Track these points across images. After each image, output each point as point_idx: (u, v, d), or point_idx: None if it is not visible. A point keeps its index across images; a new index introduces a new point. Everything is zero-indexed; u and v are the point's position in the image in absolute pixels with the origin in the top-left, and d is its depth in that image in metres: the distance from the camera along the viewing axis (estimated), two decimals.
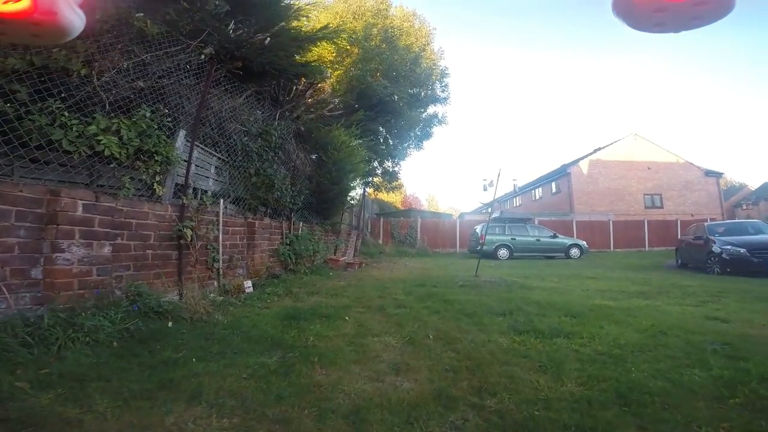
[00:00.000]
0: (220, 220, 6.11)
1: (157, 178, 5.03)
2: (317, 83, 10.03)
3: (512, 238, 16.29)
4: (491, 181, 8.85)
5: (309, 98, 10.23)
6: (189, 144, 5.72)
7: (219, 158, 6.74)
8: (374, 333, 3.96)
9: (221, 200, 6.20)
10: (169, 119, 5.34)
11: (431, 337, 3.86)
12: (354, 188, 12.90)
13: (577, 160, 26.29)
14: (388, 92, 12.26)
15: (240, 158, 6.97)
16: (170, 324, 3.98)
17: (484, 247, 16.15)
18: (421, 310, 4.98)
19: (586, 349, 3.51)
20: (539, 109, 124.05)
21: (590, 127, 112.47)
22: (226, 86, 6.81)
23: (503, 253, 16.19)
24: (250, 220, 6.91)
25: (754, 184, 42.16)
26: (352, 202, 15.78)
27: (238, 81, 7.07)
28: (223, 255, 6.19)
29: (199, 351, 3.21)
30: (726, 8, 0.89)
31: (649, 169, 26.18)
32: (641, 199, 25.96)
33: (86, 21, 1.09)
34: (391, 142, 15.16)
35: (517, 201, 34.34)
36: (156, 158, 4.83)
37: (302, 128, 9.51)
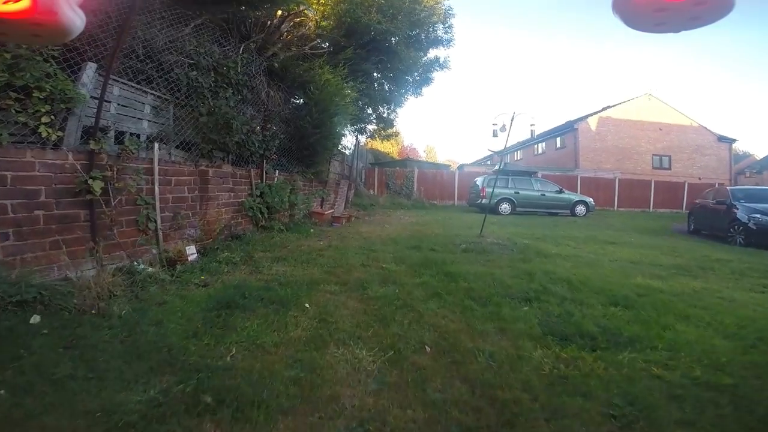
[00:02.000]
0: (155, 167, 4.57)
1: (45, 120, 3.58)
2: (293, 14, 8.02)
3: (515, 192, 14.75)
4: (503, 125, 7.16)
5: (286, 33, 8.29)
6: (102, 79, 4.17)
7: (157, 96, 5.15)
8: (340, 337, 2.54)
9: (156, 144, 4.61)
10: (58, 49, 3.85)
11: (428, 347, 2.44)
12: (342, 134, 11.14)
13: (586, 116, 24.06)
14: (383, 29, 10.13)
15: (185, 96, 5.32)
16: (35, 320, 2.54)
17: (485, 201, 14.69)
18: (414, 291, 3.55)
19: (675, 376, 2.20)
20: (549, 65, 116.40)
21: (602, 87, 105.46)
22: (164, 13, 5.30)
23: (505, 207, 14.70)
24: (202, 167, 5.33)
25: (759, 154, 40.30)
26: (345, 151, 14.07)
27: (181, 7, 5.38)
28: (163, 212, 4.71)
29: (19, 380, 1.79)
30: (726, 8, 0.86)
31: (660, 130, 24.06)
32: (649, 159, 24.03)
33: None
34: (386, 86, 13.13)
35: (518, 155, 32.29)
36: (37, 95, 3.45)
37: (276, 65, 7.67)
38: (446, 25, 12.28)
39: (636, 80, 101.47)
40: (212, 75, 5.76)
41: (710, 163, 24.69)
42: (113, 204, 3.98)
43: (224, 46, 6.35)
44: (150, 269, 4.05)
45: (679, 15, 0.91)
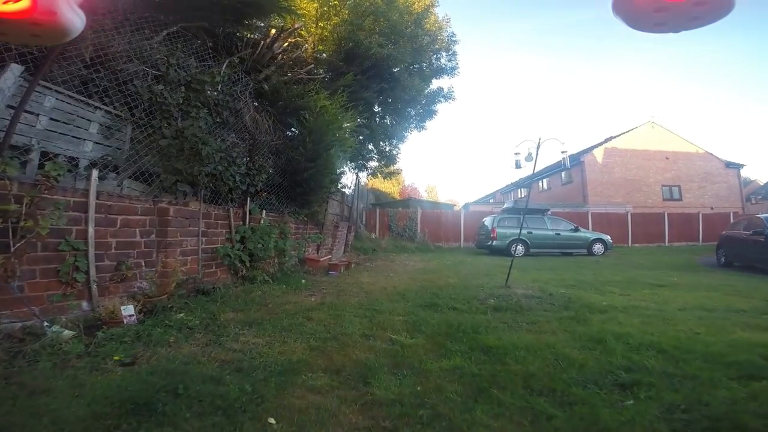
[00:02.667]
0: (91, 202, 3.45)
1: None
2: (287, 32, 7.27)
3: (528, 232, 13.50)
4: (529, 154, 6.06)
5: (280, 55, 7.50)
6: (26, 85, 3.26)
7: (110, 113, 4.15)
8: None
9: (94, 172, 3.53)
10: None
11: None
12: (341, 171, 10.16)
13: (591, 148, 23.26)
14: (386, 53, 9.47)
15: (146, 114, 4.39)
16: None
17: (496, 243, 13.48)
18: (445, 385, 2.27)
19: None
20: (550, 97, 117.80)
21: (603, 117, 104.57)
22: (129, 16, 4.52)
23: (518, 249, 13.44)
24: (162, 204, 4.21)
25: (761, 179, 39.55)
26: (345, 190, 13.06)
27: (151, 11, 4.65)
28: (101, 260, 3.56)
29: None
30: (726, 8, 0.85)
31: (667, 159, 23.21)
32: (659, 190, 22.98)
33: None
34: (388, 119, 12.36)
35: (521, 192, 31.40)
36: None
37: (266, 87, 6.79)
38: (450, 53, 11.67)
39: (635, 105, 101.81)
40: (183, 91, 4.78)
41: (721, 191, 23.66)
42: (13, 248, 2.82)
43: (205, 61, 5.47)
44: (66, 333, 2.88)
45: (680, 15, 0.89)
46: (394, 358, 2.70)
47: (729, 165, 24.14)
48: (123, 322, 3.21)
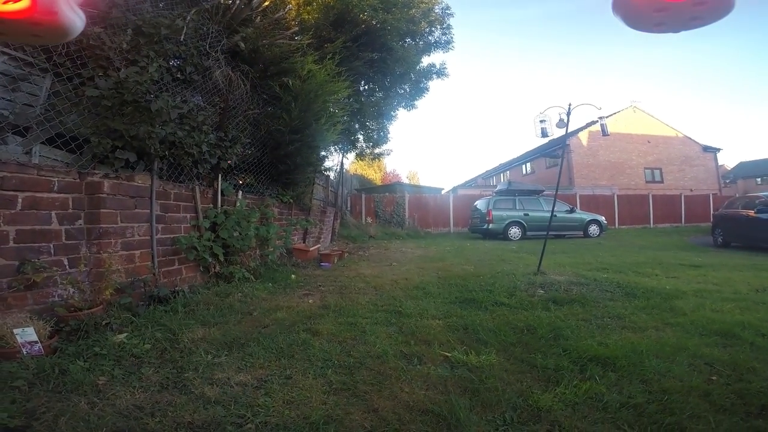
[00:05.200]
0: None
1: None
2: None
3: (525, 214, 12.63)
4: (561, 119, 5.02)
5: (258, 13, 6.14)
6: None
7: (17, 59, 2.88)
8: None
9: None
10: None
11: None
12: (326, 155, 8.87)
13: (576, 131, 22.54)
14: (379, 19, 8.28)
15: (74, 63, 3.10)
16: None
17: (492, 226, 12.56)
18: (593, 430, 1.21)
19: None
20: (536, 82, 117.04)
21: (590, 101, 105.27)
22: None
23: (515, 232, 12.56)
24: (93, 178, 2.91)
25: (729, 164, 40.45)
26: (329, 173, 11.78)
27: None
28: None
29: None
30: (726, 8, 0.82)
31: (648, 142, 22.91)
32: (642, 173, 22.71)
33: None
34: (374, 98, 11.10)
35: (504, 177, 30.66)
36: None
37: (242, 45, 5.46)
38: (444, 26, 10.51)
39: (619, 90, 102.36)
40: (130, 35, 3.48)
41: (699, 174, 23.73)
42: None
43: (164, 8, 4.17)
44: None
45: (679, 15, 0.85)
46: (474, 394, 1.60)
47: (706, 149, 24.17)
48: (20, 352, 1.98)
